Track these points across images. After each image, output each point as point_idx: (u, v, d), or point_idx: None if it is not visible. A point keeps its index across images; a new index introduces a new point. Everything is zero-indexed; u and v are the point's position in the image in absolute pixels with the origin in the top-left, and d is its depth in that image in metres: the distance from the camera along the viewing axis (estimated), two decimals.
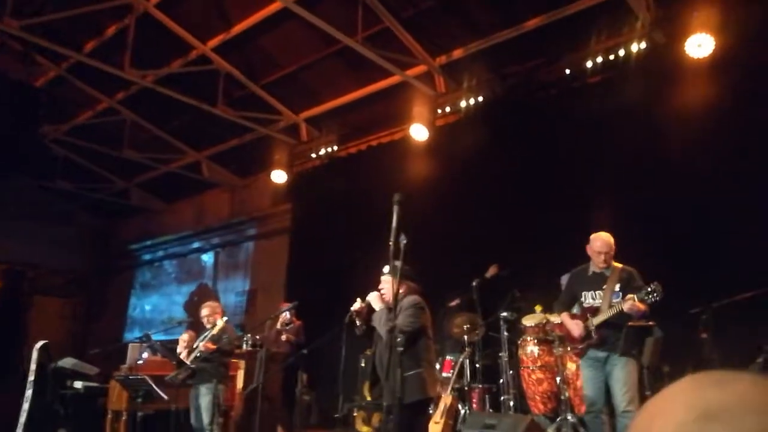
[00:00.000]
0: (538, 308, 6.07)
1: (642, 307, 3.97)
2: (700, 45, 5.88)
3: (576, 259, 5.37)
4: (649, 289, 3.97)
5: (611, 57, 6.55)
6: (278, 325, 7.77)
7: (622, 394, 4.02)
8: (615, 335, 4.11)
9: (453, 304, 7.05)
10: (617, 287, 4.18)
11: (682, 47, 5.99)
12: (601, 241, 4.35)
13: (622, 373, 4.04)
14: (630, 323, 4.00)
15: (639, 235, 5.83)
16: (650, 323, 4.13)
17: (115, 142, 10.89)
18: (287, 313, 7.44)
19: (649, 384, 4.34)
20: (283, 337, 7.73)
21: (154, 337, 6.79)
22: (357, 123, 9.31)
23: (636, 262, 4.34)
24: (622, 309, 4.02)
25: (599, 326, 4.19)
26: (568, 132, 7.04)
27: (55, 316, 15.48)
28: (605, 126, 6.72)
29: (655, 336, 4.30)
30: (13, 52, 9.17)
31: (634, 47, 6.37)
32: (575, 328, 4.31)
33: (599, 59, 6.62)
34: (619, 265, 4.25)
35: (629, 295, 4.02)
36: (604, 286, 4.06)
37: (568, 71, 6.93)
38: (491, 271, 6.79)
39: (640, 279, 4.21)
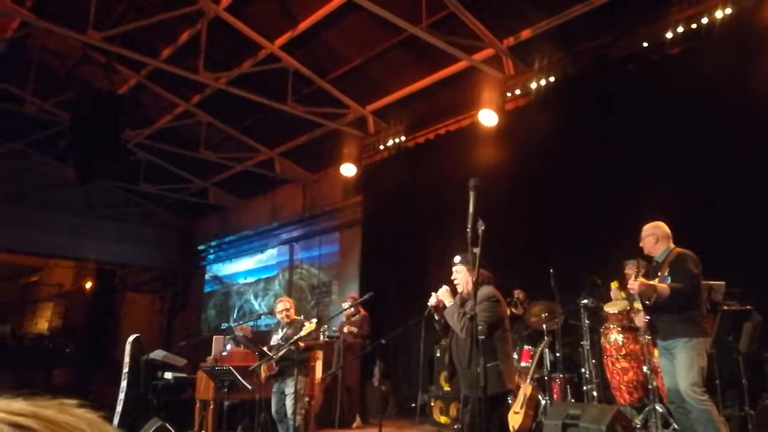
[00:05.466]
0: (614, 285, 5.81)
1: (647, 282, 3.73)
2: None
3: None
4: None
5: (693, 26, 6.15)
6: (343, 318, 7.93)
7: (682, 376, 3.82)
8: (663, 320, 3.93)
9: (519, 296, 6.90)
10: (666, 272, 3.97)
11: None
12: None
13: (682, 355, 3.85)
14: (725, 307, 3.74)
15: (727, 215, 5.46)
16: (747, 307, 3.84)
17: (193, 144, 11.36)
18: (351, 306, 7.60)
19: (745, 372, 4.05)
20: (345, 329, 7.86)
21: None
22: (424, 112, 9.24)
23: (726, 244, 4.07)
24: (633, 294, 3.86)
25: (647, 314, 4.02)
26: (647, 109, 6.68)
27: (144, 311, 16.43)
28: (689, 100, 6.31)
29: (754, 321, 4.00)
30: (96, 63, 9.72)
31: (719, 14, 5.96)
32: (637, 319, 4.19)
33: (680, 29, 6.23)
34: (677, 250, 3.99)
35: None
36: (659, 274, 3.84)
37: (645, 44, 6.56)
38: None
39: (691, 262, 3.93)
